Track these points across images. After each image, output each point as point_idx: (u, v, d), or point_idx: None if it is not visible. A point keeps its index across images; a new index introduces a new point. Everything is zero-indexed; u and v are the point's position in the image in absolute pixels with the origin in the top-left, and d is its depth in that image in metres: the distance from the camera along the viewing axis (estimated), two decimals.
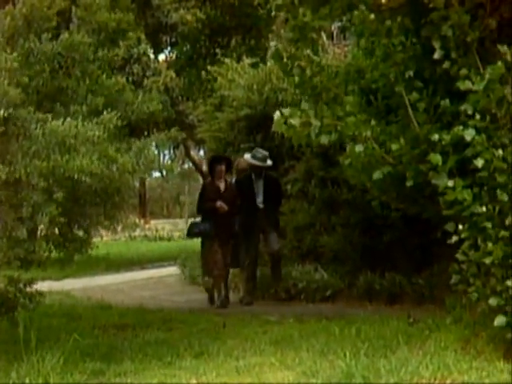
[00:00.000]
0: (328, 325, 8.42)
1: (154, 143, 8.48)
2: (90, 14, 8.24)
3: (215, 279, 11.14)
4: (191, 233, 11.48)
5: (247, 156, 11.62)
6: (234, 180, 11.96)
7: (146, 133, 10.63)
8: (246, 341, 7.75)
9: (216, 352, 7.25)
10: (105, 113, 7.26)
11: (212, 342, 7.81)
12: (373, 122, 6.73)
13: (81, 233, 7.44)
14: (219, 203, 10.97)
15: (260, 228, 11.41)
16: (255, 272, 11.59)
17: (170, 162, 38.15)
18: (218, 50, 20.06)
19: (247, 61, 14.48)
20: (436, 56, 6.38)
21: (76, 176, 6.62)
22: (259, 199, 11.42)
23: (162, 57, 21.57)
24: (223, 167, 11.28)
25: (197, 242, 11.85)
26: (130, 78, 17.16)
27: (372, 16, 6.75)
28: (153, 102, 8.33)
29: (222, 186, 11.27)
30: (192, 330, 8.72)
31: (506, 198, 5.86)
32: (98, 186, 6.99)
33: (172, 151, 34.17)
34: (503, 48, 5.89)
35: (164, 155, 38.19)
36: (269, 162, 11.49)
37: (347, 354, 6.55)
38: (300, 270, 11.65)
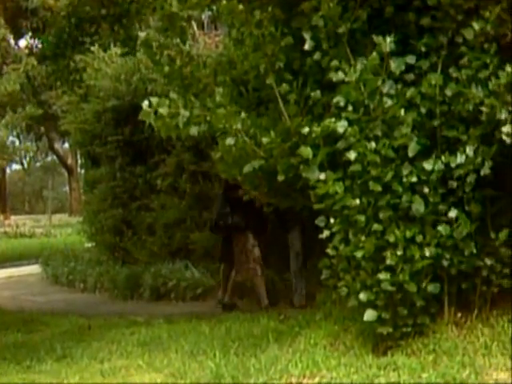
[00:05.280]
0: (198, 324, 8.41)
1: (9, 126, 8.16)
2: None
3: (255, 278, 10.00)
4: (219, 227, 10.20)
5: None
6: None
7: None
8: (112, 343, 7.65)
9: (80, 355, 7.12)
10: None
11: (76, 344, 7.66)
12: (243, 115, 6.73)
13: None
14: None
15: None
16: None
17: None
18: (85, 39, 19.68)
19: (115, 50, 14.25)
20: (307, 47, 6.44)
21: None
22: None
23: (23, 43, 20.97)
24: None
25: (60, 239, 11.56)
26: None
27: (241, 6, 6.74)
28: (10, 82, 8.03)
29: None
30: (54, 332, 8.51)
31: (379, 188, 5.98)
32: None
33: (34, 143, 33.21)
34: (378, 38, 6.02)
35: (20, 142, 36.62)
36: None
37: (217, 353, 6.57)
38: (170, 268, 11.57)
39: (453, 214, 5.98)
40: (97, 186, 13.58)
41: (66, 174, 36.52)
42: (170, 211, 12.16)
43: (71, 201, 34.65)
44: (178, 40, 7.43)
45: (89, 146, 13.78)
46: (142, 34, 7.51)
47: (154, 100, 6.68)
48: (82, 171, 20.16)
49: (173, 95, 6.82)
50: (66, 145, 23.99)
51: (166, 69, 7.39)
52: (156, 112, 6.68)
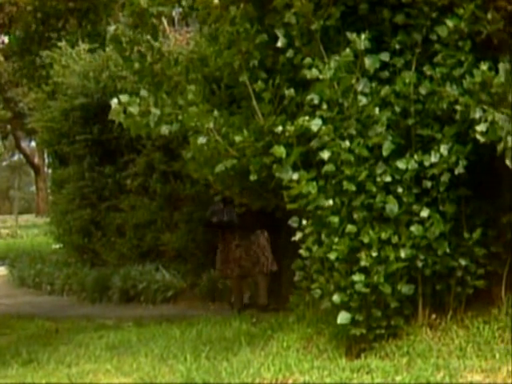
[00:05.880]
0: (168, 327, 8.40)
1: None
2: None
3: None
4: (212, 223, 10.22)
5: None
6: None
7: None
8: (80, 346, 7.61)
9: (46, 359, 7.08)
10: None
11: (42, 348, 7.63)
12: (216, 113, 6.72)
13: None
14: None
15: None
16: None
17: None
18: (52, 34, 19.56)
19: (84, 46, 14.18)
20: (279, 44, 6.44)
21: None
22: None
23: None
24: None
25: (27, 240, 11.50)
26: None
27: (216, 1, 6.75)
28: None
29: None
30: (20, 336, 8.48)
31: (353, 188, 6.01)
32: None
33: (0, 142, 32.96)
34: (352, 36, 6.04)
35: None
36: None
37: (188, 357, 6.56)
38: (140, 270, 11.55)
39: (425, 213, 6.03)
40: (65, 186, 13.53)
41: (32, 174, 36.27)
42: (140, 212, 12.13)
43: (38, 201, 34.42)
44: (149, 36, 7.41)
45: (56, 145, 13.72)
46: (111, 29, 7.47)
47: (124, 98, 6.66)
48: (50, 171, 20.06)
49: (143, 93, 6.81)
50: (33, 143, 23.83)
51: (137, 65, 7.36)
52: (125, 110, 6.65)
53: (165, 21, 11.64)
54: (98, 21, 19.58)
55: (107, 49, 12.95)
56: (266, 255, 9.94)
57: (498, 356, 5.69)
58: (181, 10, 11.35)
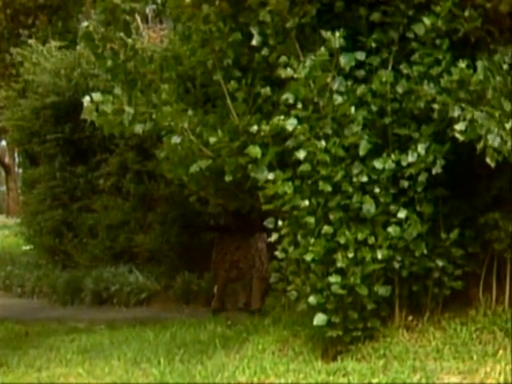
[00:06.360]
0: (142, 330, 8.39)
1: None
2: None
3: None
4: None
5: None
6: None
7: None
8: (51, 350, 7.58)
9: (16, 363, 7.05)
10: None
11: (12, 352, 7.59)
12: (190, 112, 6.71)
13: None
14: None
15: None
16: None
17: None
18: (22, 31, 19.46)
19: (54, 43, 14.10)
20: (254, 43, 6.43)
21: None
22: None
23: None
24: None
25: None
26: None
27: (188, 0, 6.72)
28: None
29: None
30: None
31: (329, 189, 6.02)
32: None
33: None
34: (327, 34, 6.04)
35: None
36: None
37: (161, 361, 6.55)
38: (113, 272, 11.51)
39: (402, 214, 6.05)
40: (36, 186, 13.45)
41: (2, 173, 36.01)
42: (113, 212, 12.09)
43: (8, 201, 34.16)
44: (122, 33, 7.37)
45: (27, 144, 13.64)
46: (82, 26, 7.43)
47: (97, 96, 6.62)
48: (20, 170, 19.92)
49: (116, 91, 6.78)
50: (4, 142, 23.67)
51: (109, 63, 7.31)
52: (98, 109, 6.62)
53: (138, 18, 11.60)
54: (69, 17, 19.50)
55: (79, 46, 12.90)
56: (262, 259, 9.94)
57: (475, 357, 5.73)
58: (154, 6, 11.38)
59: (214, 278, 10.30)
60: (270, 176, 6.19)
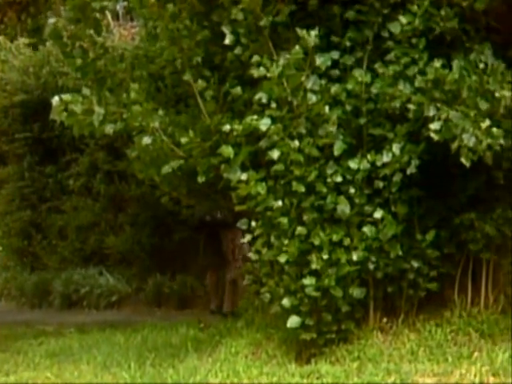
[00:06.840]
0: (112, 334, 8.36)
1: None
2: None
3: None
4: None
5: None
6: None
7: None
8: (19, 354, 7.53)
9: None
10: None
11: None
12: (161, 112, 6.67)
13: None
14: None
15: None
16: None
17: None
18: None
19: (23, 40, 14.02)
20: (227, 41, 6.40)
21: None
22: None
23: None
24: None
25: None
26: None
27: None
28: None
29: None
30: None
31: (302, 189, 6.01)
32: None
33: None
34: (302, 32, 6.03)
35: None
36: None
37: (132, 365, 6.52)
38: (83, 274, 11.46)
39: (378, 214, 6.05)
40: (3, 187, 13.36)
41: None
42: (83, 213, 12.03)
43: None
44: (92, 31, 7.32)
45: None
46: (50, 22, 7.35)
47: (66, 96, 6.55)
48: None
49: (86, 91, 6.71)
50: None
51: (79, 61, 7.26)
52: (67, 109, 6.55)
53: (108, 15, 11.56)
54: (38, 14, 19.34)
55: (48, 43, 12.81)
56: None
57: (450, 359, 5.75)
58: (125, 3, 11.31)
59: (210, 278, 10.19)
60: (243, 176, 6.17)
